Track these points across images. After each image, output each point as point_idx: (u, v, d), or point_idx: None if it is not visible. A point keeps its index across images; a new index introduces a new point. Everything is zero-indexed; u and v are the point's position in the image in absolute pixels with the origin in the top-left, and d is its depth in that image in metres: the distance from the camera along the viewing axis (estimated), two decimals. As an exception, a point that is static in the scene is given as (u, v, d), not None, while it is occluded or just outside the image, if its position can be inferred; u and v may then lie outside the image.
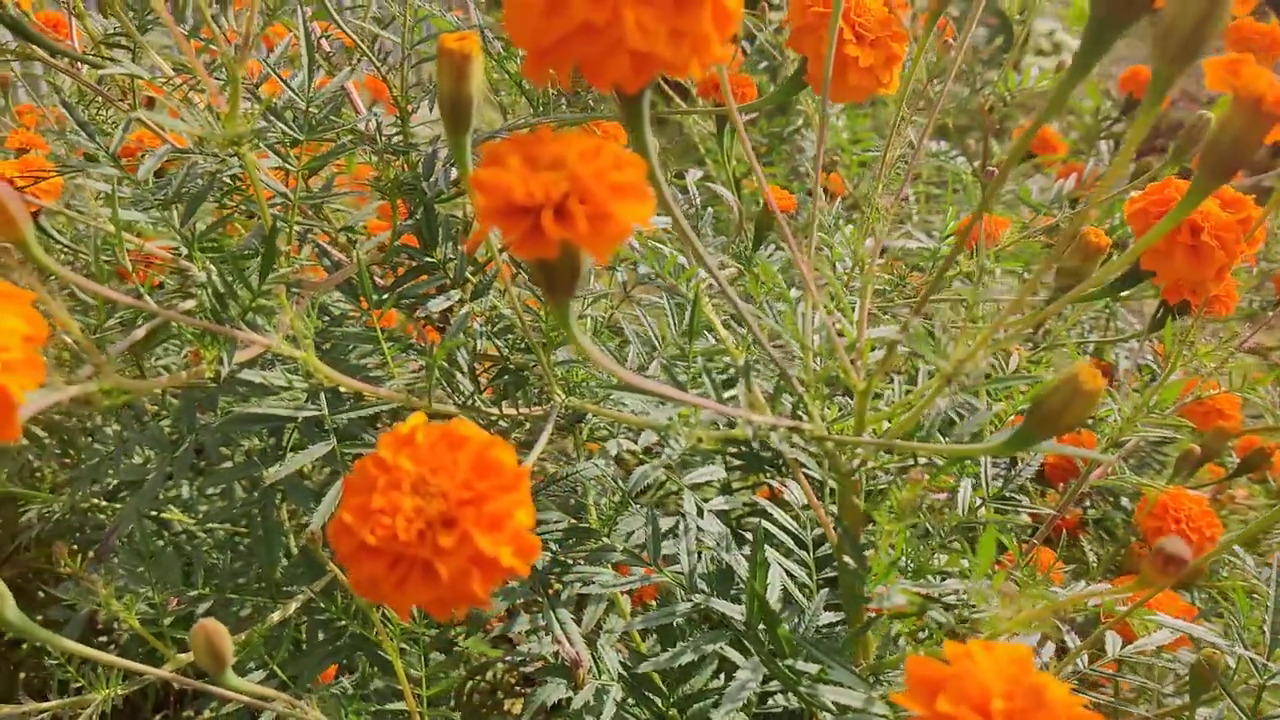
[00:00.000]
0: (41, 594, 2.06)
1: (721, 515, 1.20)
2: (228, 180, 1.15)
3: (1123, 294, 2.08)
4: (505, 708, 1.80)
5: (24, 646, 2.17)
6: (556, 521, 1.21)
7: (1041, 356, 1.39)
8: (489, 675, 1.89)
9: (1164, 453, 1.77)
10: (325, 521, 1.04)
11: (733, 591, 1.13)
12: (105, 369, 0.70)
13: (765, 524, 1.12)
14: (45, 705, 1.03)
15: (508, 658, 1.64)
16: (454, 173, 1.13)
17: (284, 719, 1.06)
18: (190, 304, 1.04)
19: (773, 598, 1.04)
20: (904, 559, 0.97)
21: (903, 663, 0.87)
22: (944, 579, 0.93)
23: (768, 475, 1.36)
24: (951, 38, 1.18)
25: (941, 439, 0.93)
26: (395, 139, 1.20)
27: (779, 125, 2.27)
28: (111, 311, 1.09)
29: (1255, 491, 2.02)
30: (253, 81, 1.08)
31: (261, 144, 1.02)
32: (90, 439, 1.93)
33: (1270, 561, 1.26)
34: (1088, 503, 1.74)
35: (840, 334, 0.84)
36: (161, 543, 1.62)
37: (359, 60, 1.22)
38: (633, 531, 1.17)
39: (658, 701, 1.16)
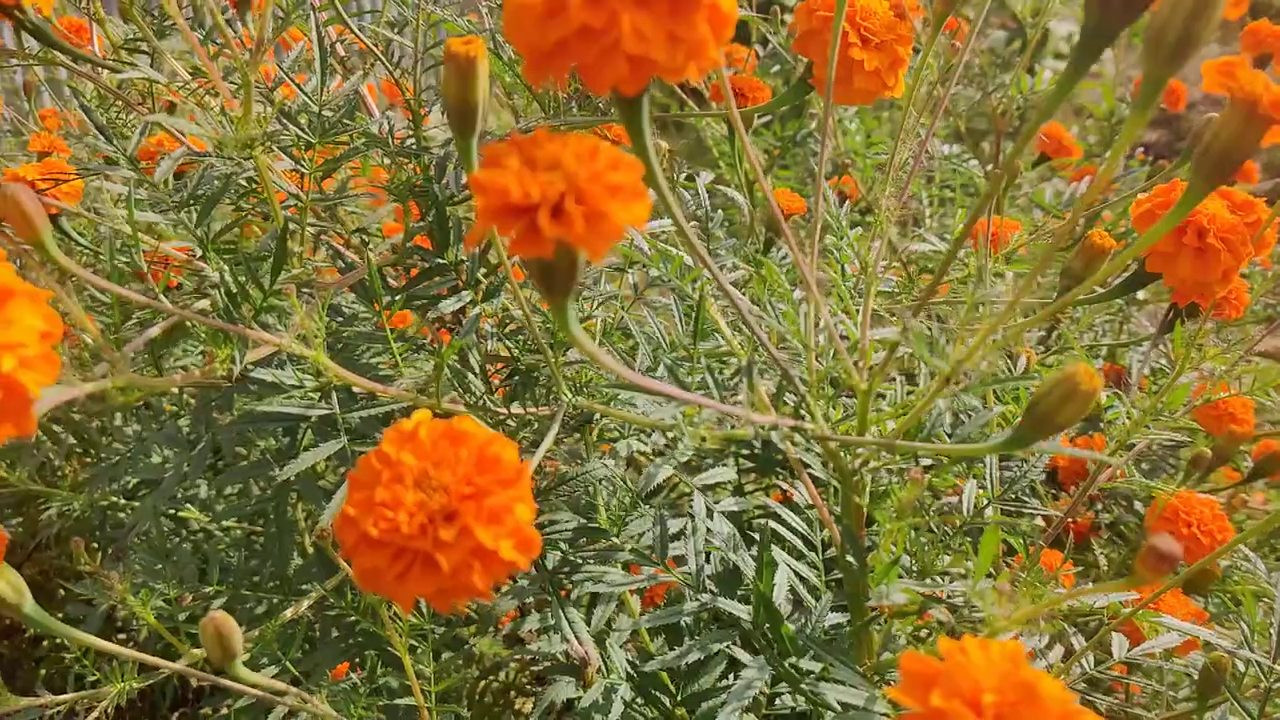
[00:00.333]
0: (62, 592, 2.09)
1: (733, 517, 1.21)
2: (243, 183, 1.17)
3: (1139, 298, 2.08)
4: (517, 706, 1.81)
5: (45, 643, 2.20)
6: (567, 521, 1.22)
7: (1052, 360, 1.39)
8: (502, 675, 1.91)
9: (1178, 456, 1.76)
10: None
11: (740, 592, 1.14)
12: (120, 366, 0.71)
13: (774, 525, 1.12)
14: (61, 698, 1.05)
15: (517, 655, 1.65)
16: (465, 176, 1.14)
17: (296, 713, 1.08)
18: (205, 304, 1.06)
19: (780, 598, 1.05)
20: (909, 560, 0.97)
21: (904, 662, 0.87)
22: (949, 580, 0.94)
23: (780, 477, 1.37)
24: (971, 42, 1.18)
25: (947, 440, 0.94)
26: (409, 142, 1.22)
27: (793, 129, 2.28)
28: (128, 312, 1.11)
29: (1272, 496, 2.01)
30: (268, 86, 1.10)
31: (275, 147, 1.04)
32: (110, 439, 1.96)
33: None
34: (1100, 506, 1.73)
35: (844, 335, 0.85)
36: (179, 540, 1.64)
37: (372, 65, 1.24)
38: (643, 533, 1.18)
39: (665, 700, 1.17)
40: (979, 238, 1.23)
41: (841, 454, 0.84)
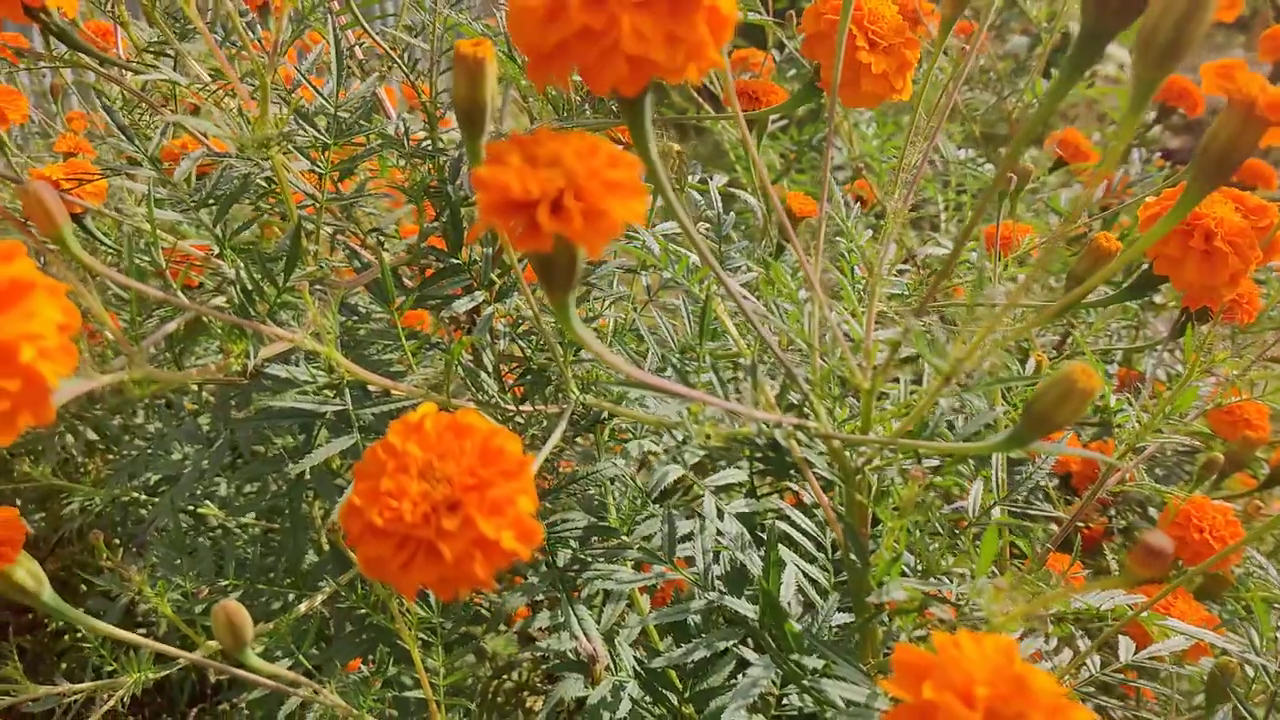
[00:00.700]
0: (84, 587, 2.12)
1: (745, 519, 1.22)
2: (262, 183, 1.19)
3: (1156, 303, 2.07)
4: (528, 705, 1.83)
5: (66, 638, 2.23)
6: (578, 520, 1.23)
7: (1064, 364, 1.39)
8: (515, 675, 1.92)
9: (1193, 462, 1.75)
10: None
11: (749, 592, 1.15)
12: (138, 359, 0.73)
13: (782, 526, 1.13)
14: (79, 686, 1.07)
15: (529, 654, 1.66)
16: (474, 175, 1.16)
17: (309, 705, 1.10)
18: (221, 300, 1.08)
19: (787, 597, 1.05)
20: (914, 560, 0.98)
21: (905, 659, 0.88)
22: (954, 580, 0.94)
23: (793, 480, 1.37)
24: (979, 45, 1.19)
25: (950, 438, 0.94)
26: (425, 144, 1.23)
27: (809, 133, 2.28)
28: (146, 307, 1.13)
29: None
30: (286, 88, 1.12)
31: (291, 147, 1.06)
32: (131, 436, 1.99)
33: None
34: (1114, 512, 1.73)
35: (850, 336, 0.86)
36: (197, 536, 1.67)
37: (389, 68, 1.25)
38: (653, 534, 1.19)
39: (672, 698, 1.18)
40: (990, 241, 1.24)
41: (846, 453, 0.85)
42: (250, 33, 1.10)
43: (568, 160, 0.49)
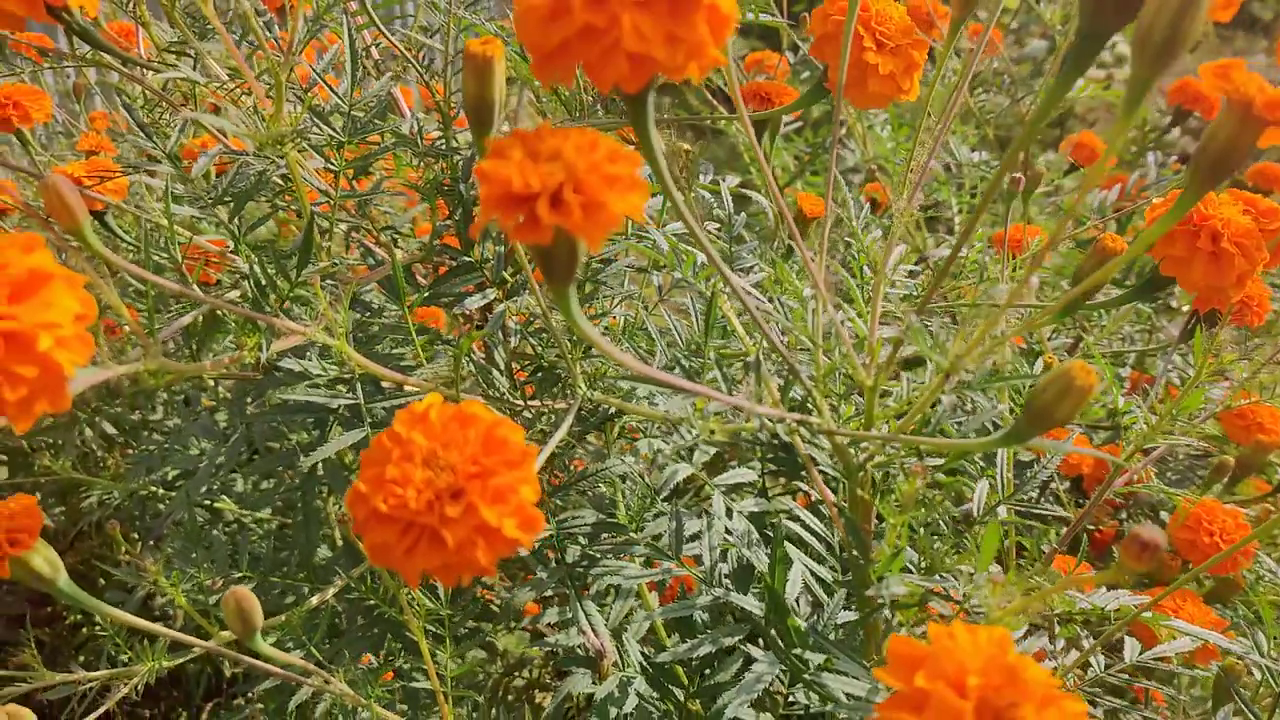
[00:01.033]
0: (103, 580, 2.15)
1: (755, 519, 1.22)
2: (279, 180, 1.20)
3: (1172, 306, 2.06)
4: (537, 701, 1.84)
5: (84, 630, 2.26)
6: (587, 517, 1.24)
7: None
8: (526, 672, 1.94)
9: (1205, 466, 1.75)
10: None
11: (756, 590, 1.15)
12: (153, 350, 0.75)
13: (790, 524, 1.14)
14: (94, 674, 1.09)
15: (539, 648, 1.67)
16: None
17: (319, 696, 1.11)
18: (236, 295, 1.09)
19: (794, 594, 1.06)
20: (918, 557, 0.98)
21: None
22: (961, 582, 0.95)
23: (803, 480, 1.38)
24: (984, 45, 1.19)
25: (954, 434, 0.95)
26: (439, 143, 1.25)
27: (823, 135, 2.29)
28: (163, 301, 1.15)
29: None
30: (303, 87, 1.14)
31: (306, 145, 1.07)
32: (150, 431, 2.01)
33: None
34: (1125, 515, 1.72)
35: (854, 334, 0.86)
36: (213, 531, 1.69)
37: (404, 68, 1.27)
38: (661, 534, 1.20)
39: (678, 693, 1.19)
40: (999, 243, 1.24)
41: (850, 449, 0.86)
42: (268, 32, 1.11)
43: (568, 155, 0.50)
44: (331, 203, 1.14)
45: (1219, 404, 1.34)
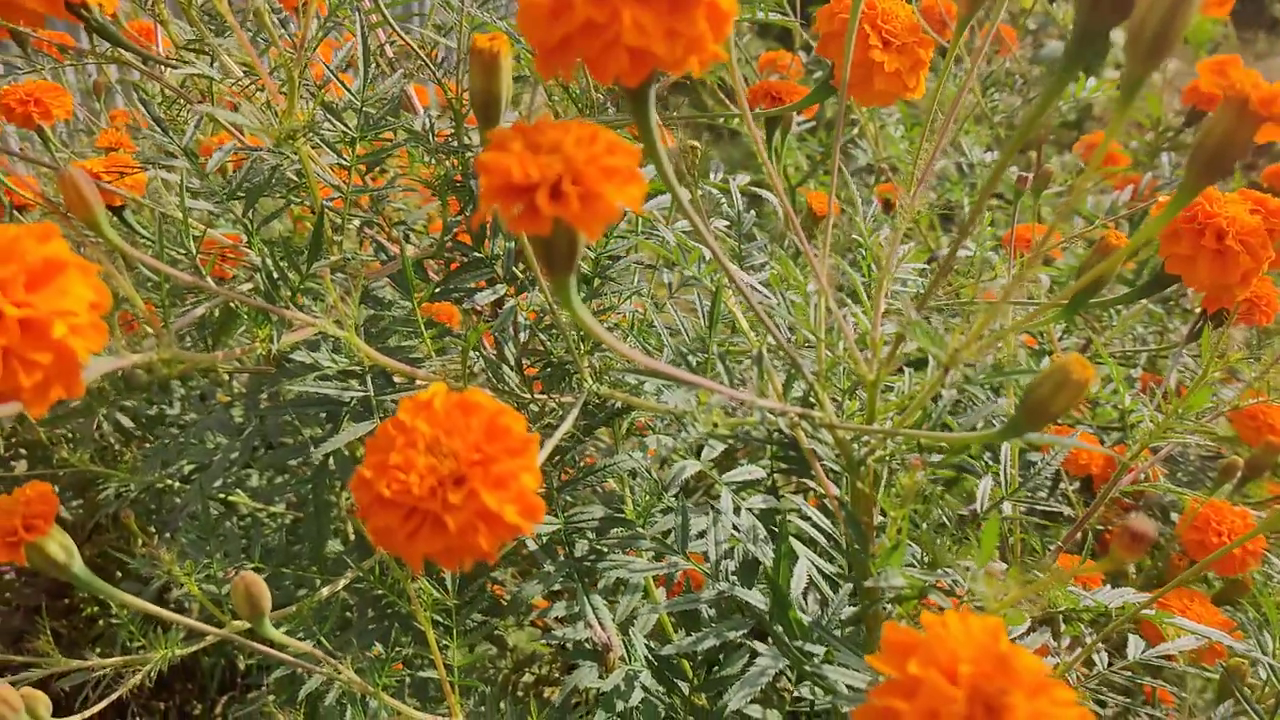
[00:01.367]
0: (119, 573, 2.17)
1: (762, 516, 1.23)
2: (293, 176, 1.22)
3: (1184, 308, 2.06)
4: (545, 695, 1.85)
5: (100, 623, 2.29)
6: (595, 512, 1.25)
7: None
8: (535, 668, 1.95)
9: (1217, 467, 1.74)
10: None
11: (761, 585, 1.16)
12: (166, 339, 0.76)
13: (800, 523, 1.15)
14: (108, 661, 1.11)
15: (544, 639, 1.68)
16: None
17: (330, 684, 1.13)
18: (248, 287, 1.11)
19: (799, 590, 1.07)
20: (920, 551, 0.99)
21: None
22: (963, 576, 0.95)
23: (812, 478, 1.38)
24: (986, 42, 1.19)
25: (958, 428, 0.95)
26: (450, 140, 1.27)
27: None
28: (178, 294, 1.17)
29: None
30: (317, 84, 1.16)
31: (319, 140, 1.09)
32: (166, 425, 2.04)
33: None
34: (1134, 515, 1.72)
35: (857, 329, 0.87)
36: (227, 524, 1.71)
37: (416, 66, 1.29)
38: (669, 530, 1.21)
39: (684, 687, 1.20)
40: (1008, 241, 1.24)
41: (851, 443, 0.86)
42: (282, 29, 1.13)
43: (567, 147, 0.51)
44: (344, 198, 1.16)
45: (1230, 404, 1.34)
